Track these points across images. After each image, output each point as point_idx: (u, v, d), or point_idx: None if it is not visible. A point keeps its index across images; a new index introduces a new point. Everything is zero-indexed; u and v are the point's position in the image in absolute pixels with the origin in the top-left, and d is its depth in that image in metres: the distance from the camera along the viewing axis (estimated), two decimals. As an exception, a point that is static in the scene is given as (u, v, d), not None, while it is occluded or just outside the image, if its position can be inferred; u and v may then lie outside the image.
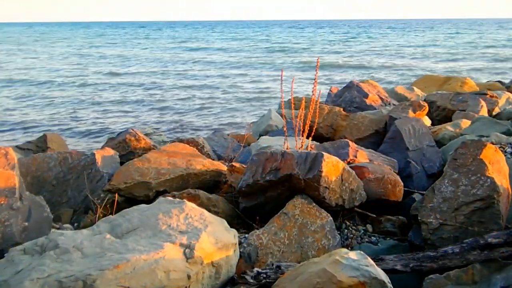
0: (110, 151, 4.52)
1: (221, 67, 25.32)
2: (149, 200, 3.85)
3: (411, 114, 5.97)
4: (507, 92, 8.29)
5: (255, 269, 2.61)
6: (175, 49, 38.93)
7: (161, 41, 52.12)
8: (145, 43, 48.57)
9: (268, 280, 2.52)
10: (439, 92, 8.47)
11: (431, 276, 2.68)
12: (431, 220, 3.02)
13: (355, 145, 4.47)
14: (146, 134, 7.04)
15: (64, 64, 27.59)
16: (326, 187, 3.15)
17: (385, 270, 2.45)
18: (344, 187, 3.29)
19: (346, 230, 3.38)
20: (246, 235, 3.15)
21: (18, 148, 6.04)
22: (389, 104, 7.69)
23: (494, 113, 7.29)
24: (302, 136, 4.08)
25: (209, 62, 28.00)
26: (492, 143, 4.35)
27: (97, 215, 3.56)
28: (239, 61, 27.86)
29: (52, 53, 36.29)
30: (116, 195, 3.75)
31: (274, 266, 2.66)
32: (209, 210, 3.32)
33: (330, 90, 8.47)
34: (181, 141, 5.24)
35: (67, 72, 23.69)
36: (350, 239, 3.26)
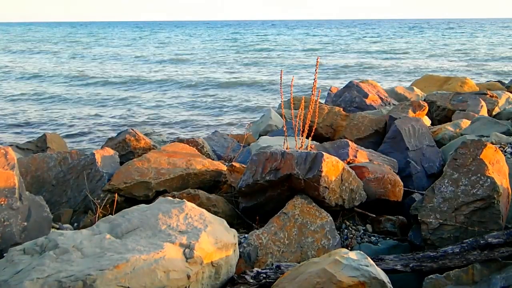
0: (110, 151, 4.51)
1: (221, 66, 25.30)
2: (149, 200, 3.85)
3: (411, 114, 5.97)
4: (507, 92, 8.29)
5: (255, 269, 2.61)
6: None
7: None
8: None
9: (268, 280, 2.52)
10: (439, 92, 8.47)
11: (431, 276, 2.68)
12: (431, 220, 3.02)
13: (355, 145, 4.47)
14: (146, 134, 7.04)
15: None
16: (326, 187, 3.15)
17: (385, 270, 2.45)
18: (344, 187, 3.29)
19: (346, 230, 3.38)
20: (246, 235, 3.15)
21: (18, 148, 6.04)
22: (389, 104, 7.69)
23: (494, 113, 7.30)
24: (302, 136, 4.08)
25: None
26: (492, 143, 4.35)
27: (97, 215, 3.56)
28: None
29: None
30: (116, 195, 3.75)
31: (274, 266, 2.66)
32: (209, 210, 3.32)
33: (330, 90, 8.47)
34: (181, 141, 5.24)
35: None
36: (350, 239, 3.26)
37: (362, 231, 3.39)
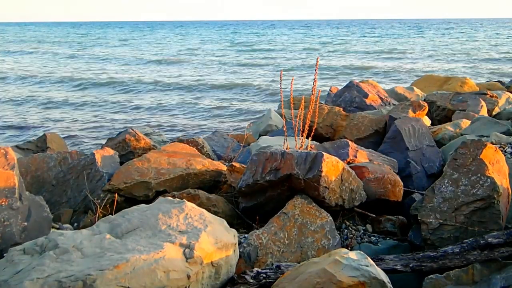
0: (110, 151, 4.51)
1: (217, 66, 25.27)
2: (149, 200, 3.85)
3: (411, 114, 5.97)
4: (507, 92, 8.30)
5: (255, 269, 2.61)
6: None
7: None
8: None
9: (268, 280, 2.52)
10: (439, 92, 8.47)
11: (431, 276, 2.68)
12: (431, 220, 3.02)
13: (355, 145, 4.47)
14: (146, 134, 7.03)
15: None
16: (326, 187, 3.15)
17: (385, 270, 2.45)
18: (344, 187, 3.29)
19: (346, 230, 3.38)
20: (246, 235, 3.15)
21: (18, 148, 6.04)
22: (389, 104, 7.69)
23: (494, 113, 7.30)
24: (302, 136, 4.08)
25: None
26: (492, 143, 4.35)
27: (97, 215, 3.56)
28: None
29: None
30: (116, 195, 3.75)
31: (274, 266, 2.66)
32: (209, 210, 3.32)
33: (330, 90, 8.48)
34: (181, 141, 5.24)
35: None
36: (350, 239, 3.26)
37: (362, 231, 3.39)
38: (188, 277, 2.16)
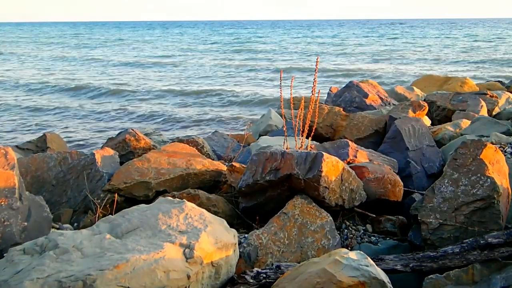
0: (110, 151, 4.51)
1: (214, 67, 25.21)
2: (149, 200, 3.85)
3: (411, 114, 5.97)
4: (507, 92, 8.30)
5: (255, 269, 2.61)
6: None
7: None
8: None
9: (268, 280, 2.52)
10: (439, 92, 8.47)
11: (431, 276, 2.68)
12: (431, 220, 3.02)
13: (355, 145, 4.47)
14: (146, 134, 7.03)
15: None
16: (326, 187, 3.15)
17: (385, 270, 2.45)
18: (344, 187, 3.29)
19: (346, 230, 3.38)
20: (246, 235, 3.15)
21: (18, 148, 6.04)
22: (389, 104, 7.69)
23: (494, 113, 7.30)
24: (302, 136, 4.08)
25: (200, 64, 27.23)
26: (492, 143, 4.35)
27: (97, 215, 3.56)
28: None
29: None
30: (116, 195, 3.75)
31: (274, 266, 2.66)
32: (209, 210, 3.32)
33: (330, 90, 8.48)
34: (181, 141, 5.24)
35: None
36: (350, 239, 3.26)
37: (362, 231, 3.39)
38: (188, 277, 2.16)
